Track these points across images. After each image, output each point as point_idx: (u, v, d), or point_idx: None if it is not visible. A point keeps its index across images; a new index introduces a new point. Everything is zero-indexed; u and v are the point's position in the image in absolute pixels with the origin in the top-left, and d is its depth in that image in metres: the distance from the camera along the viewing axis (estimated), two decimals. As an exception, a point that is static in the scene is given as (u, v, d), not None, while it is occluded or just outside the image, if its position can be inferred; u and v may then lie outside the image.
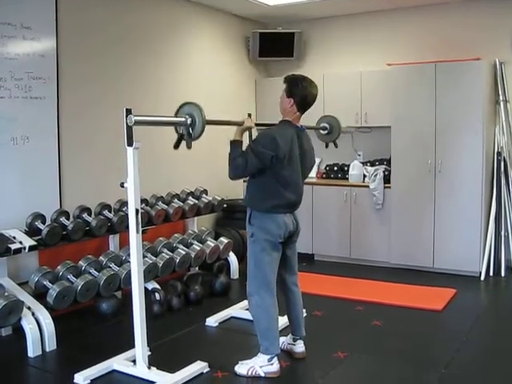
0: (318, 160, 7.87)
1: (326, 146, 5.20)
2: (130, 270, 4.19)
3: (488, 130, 6.31)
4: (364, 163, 7.31)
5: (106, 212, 5.47)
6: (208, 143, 7.22)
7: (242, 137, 3.96)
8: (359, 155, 7.60)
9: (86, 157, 5.64)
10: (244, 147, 3.90)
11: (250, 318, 4.12)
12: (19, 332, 4.36)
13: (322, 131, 5.08)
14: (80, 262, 5.04)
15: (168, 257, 5.47)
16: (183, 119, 3.72)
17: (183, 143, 3.77)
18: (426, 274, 6.53)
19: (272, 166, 3.77)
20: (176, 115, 3.83)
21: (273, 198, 3.85)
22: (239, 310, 5.16)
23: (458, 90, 6.24)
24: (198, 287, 5.56)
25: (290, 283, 4.18)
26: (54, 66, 5.25)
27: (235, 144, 3.89)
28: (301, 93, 3.86)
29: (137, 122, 3.50)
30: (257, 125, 4.26)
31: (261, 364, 3.86)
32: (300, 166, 3.96)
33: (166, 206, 6.02)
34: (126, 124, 3.47)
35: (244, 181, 4.07)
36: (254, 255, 3.93)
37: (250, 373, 3.87)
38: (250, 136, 4.31)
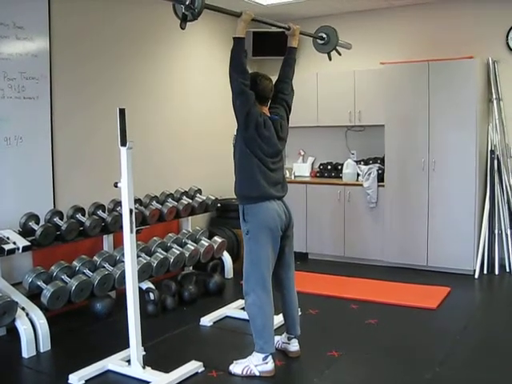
0: (311, 159, 7.90)
1: (330, 59, 5.12)
2: (124, 270, 4.19)
3: (481, 128, 6.32)
4: (358, 162, 7.31)
5: (99, 212, 5.46)
6: (202, 143, 7.25)
7: (244, 33, 3.94)
8: (353, 154, 7.60)
9: (80, 157, 5.62)
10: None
11: (245, 317, 4.13)
12: (13, 333, 4.35)
13: (319, 40, 5.05)
14: (74, 262, 5.03)
15: (162, 256, 5.46)
16: None
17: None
18: (420, 272, 6.54)
19: (246, 122, 3.83)
20: None
21: (258, 178, 3.88)
22: (234, 309, 5.17)
23: (451, 88, 6.25)
24: (192, 287, 5.56)
25: (286, 282, 4.19)
26: (47, 66, 5.23)
27: (238, 40, 3.91)
28: (258, 87, 3.95)
29: None
30: (254, 20, 4.21)
31: (256, 363, 3.87)
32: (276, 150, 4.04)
33: (160, 206, 6.01)
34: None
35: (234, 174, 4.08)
36: (251, 253, 3.94)
37: (244, 372, 3.87)
38: None
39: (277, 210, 3.95)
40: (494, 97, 6.58)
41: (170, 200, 6.24)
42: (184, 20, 3.64)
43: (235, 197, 4.09)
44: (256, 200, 3.90)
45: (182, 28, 3.65)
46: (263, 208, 3.90)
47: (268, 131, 3.90)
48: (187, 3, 3.54)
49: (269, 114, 4.02)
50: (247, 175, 3.92)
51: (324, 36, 5.02)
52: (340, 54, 5.08)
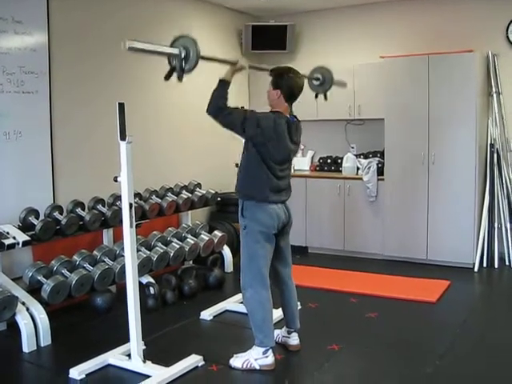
0: (311, 152, 7.90)
1: (316, 97, 5.15)
2: (124, 265, 4.18)
3: (481, 121, 6.32)
4: (357, 156, 7.31)
5: (99, 206, 5.46)
6: (202, 137, 7.24)
7: (231, 78, 3.93)
8: (352, 148, 7.60)
9: (80, 151, 5.62)
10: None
11: (245, 311, 4.13)
12: (14, 327, 4.35)
13: (314, 81, 5.08)
14: (74, 257, 5.03)
15: (162, 251, 5.46)
16: (177, 51, 3.65)
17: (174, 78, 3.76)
18: (420, 265, 6.55)
19: (251, 140, 3.81)
20: (171, 47, 3.74)
21: (263, 185, 3.86)
22: (233, 303, 5.17)
23: (451, 82, 6.24)
24: (192, 281, 5.57)
25: (284, 275, 4.19)
26: (46, 61, 5.22)
27: (224, 83, 3.87)
28: (287, 84, 3.88)
29: (131, 49, 3.41)
30: (250, 67, 4.22)
31: (256, 357, 3.87)
32: (287, 156, 3.99)
33: (159, 200, 6.01)
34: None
35: (238, 172, 4.08)
36: (248, 248, 3.94)
37: (244, 366, 3.88)
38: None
39: (276, 209, 3.93)
40: (494, 90, 6.57)
41: (169, 194, 6.24)
42: (171, 73, 3.73)
43: (235, 191, 4.08)
44: (257, 201, 3.90)
45: (166, 79, 3.75)
46: (263, 208, 3.89)
47: (276, 132, 3.82)
48: (182, 57, 3.66)
49: (288, 115, 3.97)
50: (253, 180, 3.91)
51: (319, 77, 5.06)
52: (326, 99, 5.13)
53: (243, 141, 3.96)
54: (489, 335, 4.49)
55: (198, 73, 7.11)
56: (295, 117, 4.05)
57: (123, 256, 4.43)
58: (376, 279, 6.08)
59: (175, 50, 3.68)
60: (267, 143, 3.80)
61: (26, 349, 4.22)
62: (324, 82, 5.07)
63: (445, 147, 6.36)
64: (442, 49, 6.50)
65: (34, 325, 4.28)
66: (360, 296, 5.46)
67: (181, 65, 3.66)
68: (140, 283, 4.22)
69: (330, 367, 3.93)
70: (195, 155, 7.12)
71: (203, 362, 3.97)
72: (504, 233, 6.46)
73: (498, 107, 6.58)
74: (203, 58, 3.71)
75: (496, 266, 6.37)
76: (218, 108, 3.79)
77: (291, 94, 3.92)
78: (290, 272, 4.24)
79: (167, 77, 3.75)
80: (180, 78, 3.69)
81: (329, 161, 7.65)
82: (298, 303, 4.35)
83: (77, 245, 5.23)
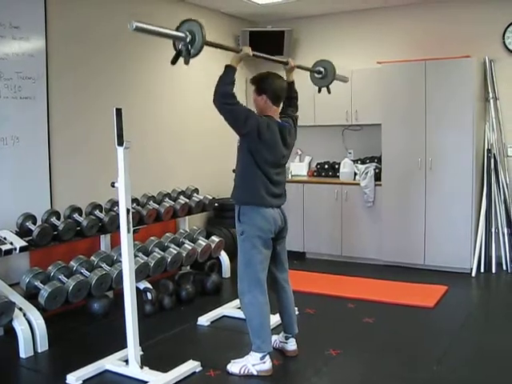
0: (308, 158, 7.91)
1: (319, 91, 5.20)
2: (121, 270, 4.18)
3: (478, 127, 6.34)
4: (355, 161, 7.32)
5: (96, 212, 5.45)
6: (199, 143, 7.25)
7: (237, 64, 3.92)
8: (350, 153, 7.61)
9: (77, 157, 5.61)
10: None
11: (242, 316, 4.13)
12: (11, 333, 4.35)
13: (316, 74, 5.10)
14: (71, 263, 5.02)
15: (159, 256, 5.45)
16: (183, 35, 3.63)
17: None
18: (417, 271, 6.55)
19: (247, 136, 3.83)
20: (177, 31, 3.69)
21: (259, 190, 3.88)
22: (231, 308, 5.16)
23: (448, 87, 6.26)
24: (189, 286, 5.56)
25: (281, 280, 4.19)
26: (44, 66, 5.22)
27: (230, 69, 3.86)
28: (271, 87, 3.94)
29: (137, 28, 3.37)
30: (255, 55, 4.23)
31: (253, 362, 3.87)
32: (281, 160, 4.03)
33: (157, 206, 6.01)
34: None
35: (234, 179, 4.08)
36: (245, 253, 3.94)
37: (242, 371, 3.87)
38: None
39: (272, 214, 3.95)
40: (491, 96, 6.59)
41: (167, 200, 6.24)
42: (177, 56, 3.69)
43: (231, 197, 4.08)
44: (254, 205, 3.91)
45: (172, 63, 3.70)
46: (260, 212, 3.90)
47: (271, 134, 3.87)
48: (187, 40, 3.59)
49: (278, 119, 4.02)
50: (248, 185, 3.92)
51: (321, 70, 5.09)
52: (329, 93, 5.15)
53: (237, 145, 4.00)
54: (486, 340, 4.49)
55: (196, 74, 7.17)
56: (287, 122, 4.09)
57: (120, 261, 4.43)
58: (373, 284, 6.08)
59: (181, 34, 3.63)
60: (261, 144, 3.83)
61: (23, 354, 4.21)
62: (326, 75, 5.10)
63: (442, 152, 6.37)
64: (439, 54, 6.53)
65: (31, 330, 4.27)
66: (357, 301, 5.46)
67: (187, 48, 3.62)
68: (137, 289, 4.22)
69: (327, 372, 3.93)
70: (193, 160, 7.13)
71: (201, 368, 3.96)
72: (501, 237, 6.47)
73: (495, 112, 6.60)
74: (208, 43, 3.68)
75: (493, 270, 6.38)
76: (226, 94, 3.77)
77: (277, 97, 3.99)
78: (287, 277, 4.24)
79: (174, 61, 3.69)
80: (186, 62, 3.63)
81: (326, 166, 7.65)
82: (296, 308, 4.35)
83: (74, 250, 5.23)
